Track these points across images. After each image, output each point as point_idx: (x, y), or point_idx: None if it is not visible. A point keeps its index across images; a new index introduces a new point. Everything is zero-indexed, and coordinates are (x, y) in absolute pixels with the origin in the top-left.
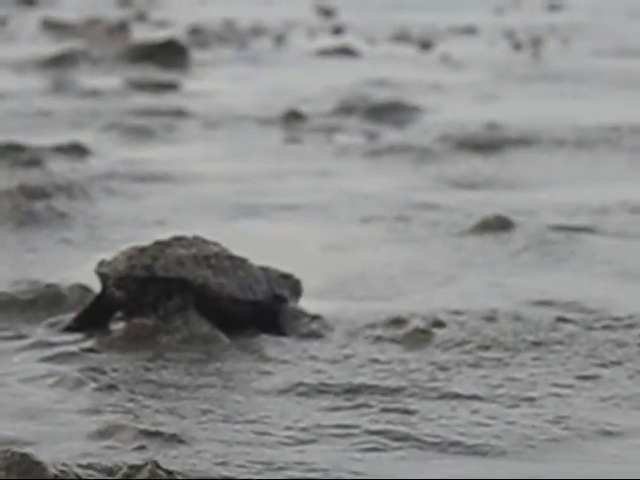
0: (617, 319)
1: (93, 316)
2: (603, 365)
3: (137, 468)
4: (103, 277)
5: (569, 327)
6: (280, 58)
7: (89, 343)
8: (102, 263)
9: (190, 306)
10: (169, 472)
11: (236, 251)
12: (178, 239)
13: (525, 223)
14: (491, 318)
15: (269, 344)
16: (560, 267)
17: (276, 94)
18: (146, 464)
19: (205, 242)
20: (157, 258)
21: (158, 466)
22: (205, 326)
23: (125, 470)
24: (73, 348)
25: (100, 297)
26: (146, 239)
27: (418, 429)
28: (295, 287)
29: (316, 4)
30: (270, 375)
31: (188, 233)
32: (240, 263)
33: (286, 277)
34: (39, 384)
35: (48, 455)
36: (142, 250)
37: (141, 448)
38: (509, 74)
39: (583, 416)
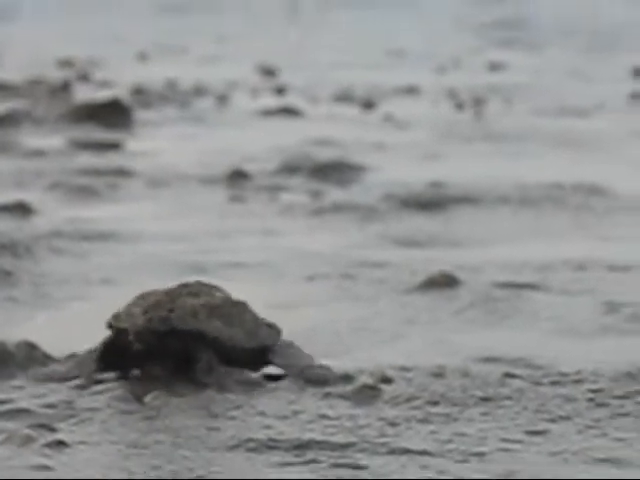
0: (565, 375)
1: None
2: (552, 420)
3: None
4: (119, 330)
5: (517, 382)
6: (223, 118)
7: (39, 400)
8: (117, 317)
9: (216, 364)
10: None
11: None
12: (185, 286)
13: (470, 280)
14: (439, 374)
15: (216, 400)
16: (506, 324)
17: (220, 153)
18: None
19: (208, 287)
20: (172, 310)
21: None
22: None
23: None
24: (22, 404)
25: (107, 349)
26: (91, 298)
27: None
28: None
29: (259, 64)
30: (218, 431)
31: (134, 292)
32: (243, 308)
33: (270, 326)
34: None
35: None
36: (156, 302)
37: None
38: (452, 133)
39: (533, 471)
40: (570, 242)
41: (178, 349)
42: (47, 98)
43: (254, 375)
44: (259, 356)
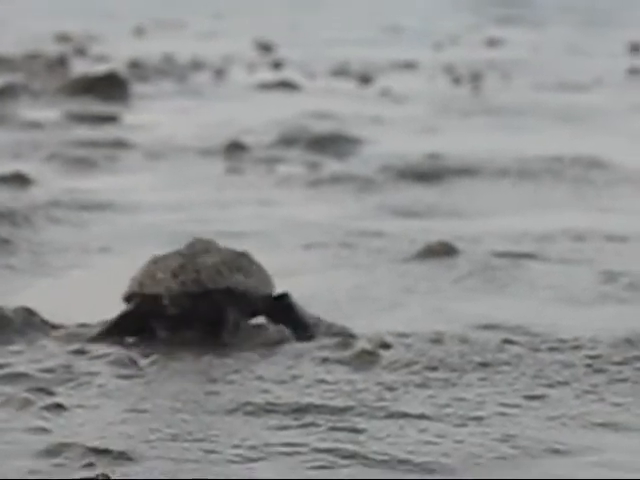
0: (563, 341)
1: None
2: (550, 385)
3: None
4: (152, 297)
5: (515, 349)
6: (220, 92)
7: (37, 365)
8: (142, 284)
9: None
10: None
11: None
12: (190, 246)
13: (469, 249)
14: (437, 340)
15: (215, 364)
16: (504, 292)
17: (217, 126)
18: (97, 477)
19: (208, 242)
20: (199, 271)
21: (108, 479)
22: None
23: None
24: (20, 369)
25: (130, 313)
26: (90, 266)
27: (366, 447)
28: None
29: (255, 40)
30: (217, 395)
31: (132, 260)
32: (248, 258)
33: None
34: None
35: None
36: (180, 265)
37: (89, 465)
38: (449, 108)
39: (531, 435)
40: (569, 213)
41: (208, 310)
42: (44, 72)
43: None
44: (277, 305)
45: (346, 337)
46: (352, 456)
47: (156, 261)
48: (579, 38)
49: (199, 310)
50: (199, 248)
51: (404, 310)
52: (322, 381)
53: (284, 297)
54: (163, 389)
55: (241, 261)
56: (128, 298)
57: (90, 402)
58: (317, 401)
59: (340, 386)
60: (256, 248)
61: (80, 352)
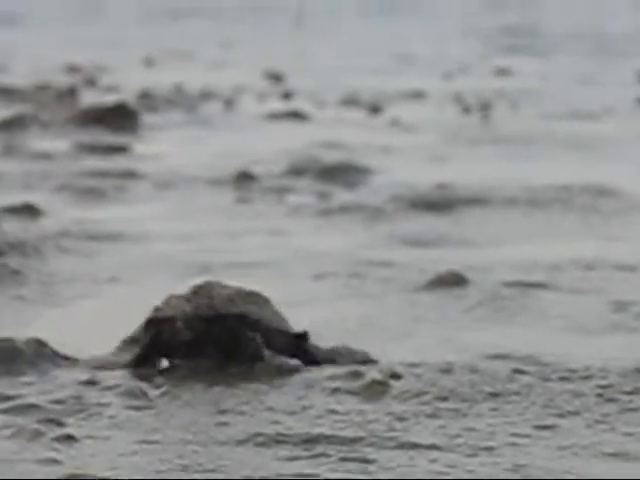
0: (573, 371)
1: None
2: (560, 415)
3: None
4: (164, 320)
5: (526, 379)
6: (230, 122)
7: (48, 396)
8: (158, 309)
9: (262, 348)
10: None
11: None
12: (201, 287)
13: (479, 279)
14: (447, 370)
15: (225, 395)
16: (514, 322)
17: (227, 156)
18: None
19: (221, 284)
20: (212, 297)
21: None
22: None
23: None
24: (31, 400)
25: (153, 341)
26: (100, 296)
27: (377, 477)
28: None
29: (265, 69)
30: (228, 426)
31: (142, 290)
32: (263, 298)
33: None
34: None
35: None
36: (195, 291)
37: None
38: (459, 137)
39: (542, 465)
40: (578, 242)
41: (223, 336)
42: (54, 103)
43: (295, 362)
44: (292, 342)
45: (367, 363)
46: None
47: (170, 299)
48: (588, 67)
49: (213, 335)
50: (210, 288)
51: (414, 340)
52: (333, 411)
53: (303, 336)
54: (173, 420)
55: (255, 298)
56: (146, 327)
57: (101, 433)
58: (328, 431)
59: (351, 416)
60: (266, 278)
61: (91, 383)
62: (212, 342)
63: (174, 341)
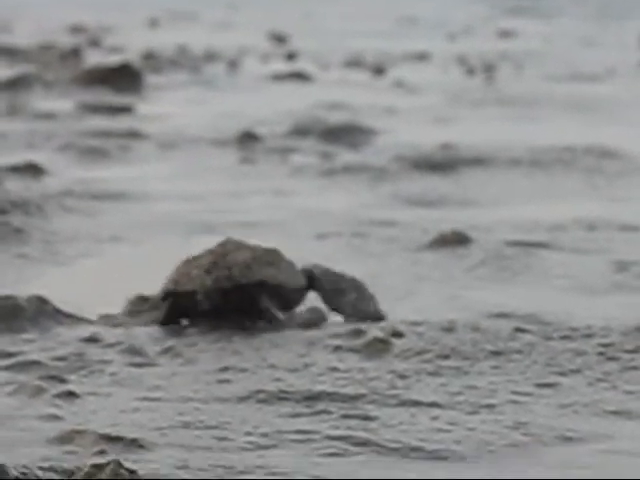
0: (575, 329)
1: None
2: (562, 373)
3: (99, 467)
4: (184, 293)
5: (527, 337)
6: (234, 82)
7: (49, 353)
8: (176, 282)
9: (274, 308)
10: (131, 471)
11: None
12: (223, 245)
13: (482, 239)
14: (449, 329)
15: (227, 353)
16: (517, 281)
17: (230, 117)
18: (108, 463)
19: (239, 242)
20: (231, 267)
21: (120, 465)
22: None
23: (87, 469)
24: (33, 356)
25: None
26: (102, 255)
27: (379, 435)
28: None
29: (269, 31)
30: (229, 383)
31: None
32: (277, 254)
33: None
34: None
35: (8, 459)
36: (212, 263)
37: (101, 453)
38: (462, 98)
39: (542, 422)
40: (581, 203)
41: (240, 303)
42: (58, 63)
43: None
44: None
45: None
46: (364, 443)
47: (189, 261)
48: (591, 29)
49: (232, 304)
50: (230, 247)
51: (416, 298)
52: (334, 369)
53: (311, 275)
54: (175, 377)
55: (270, 257)
56: (164, 297)
57: (102, 390)
58: (329, 389)
59: (352, 374)
60: (269, 237)
61: (92, 340)
62: (231, 308)
63: (193, 310)
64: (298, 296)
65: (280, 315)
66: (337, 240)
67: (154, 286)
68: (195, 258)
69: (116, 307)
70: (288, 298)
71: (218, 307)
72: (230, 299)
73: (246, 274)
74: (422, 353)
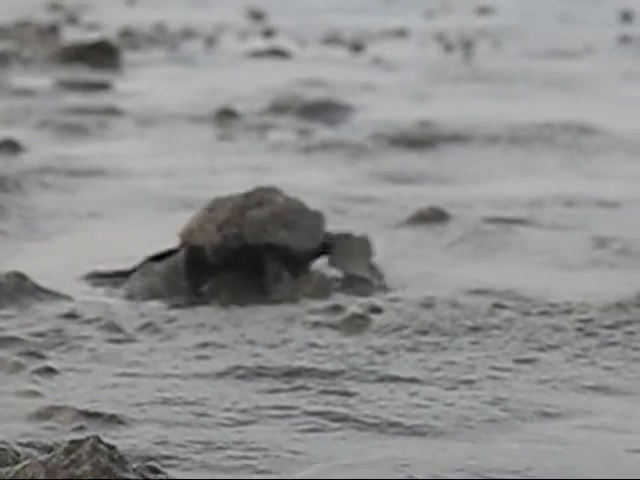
0: (554, 305)
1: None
2: (541, 349)
3: (78, 443)
4: (195, 248)
5: (506, 313)
6: (212, 59)
7: (28, 329)
8: (190, 232)
9: (284, 272)
10: (111, 447)
11: (173, 242)
12: (248, 197)
13: (460, 215)
14: (428, 305)
15: (206, 329)
16: (495, 257)
17: (209, 94)
18: (87, 439)
19: (268, 192)
20: (243, 226)
21: (99, 441)
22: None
23: (66, 445)
24: (12, 333)
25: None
26: (81, 231)
27: (357, 410)
28: None
29: (246, 8)
30: (208, 359)
31: (123, 225)
32: (301, 210)
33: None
34: None
35: None
36: (227, 219)
37: (80, 429)
38: (441, 75)
39: (521, 398)
40: (560, 179)
41: (250, 261)
42: (36, 40)
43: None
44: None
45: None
46: (343, 419)
47: (211, 209)
48: (570, 6)
49: (240, 262)
50: (256, 199)
51: (395, 275)
52: (313, 345)
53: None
54: (154, 353)
55: (291, 216)
56: (182, 245)
57: (81, 366)
58: (308, 365)
59: (331, 350)
60: None
61: (71, 316)
62: (239, 265)
63: (203, 263)
64: (307, 259)
65: (286, 277)
66: None
67: (132, 261)
68: (215, 209)
69: (94, 284)
70: (297, 261)
71: (227, 263)
72: (238, 258)
73: (257, 235)
74: (401, 329)
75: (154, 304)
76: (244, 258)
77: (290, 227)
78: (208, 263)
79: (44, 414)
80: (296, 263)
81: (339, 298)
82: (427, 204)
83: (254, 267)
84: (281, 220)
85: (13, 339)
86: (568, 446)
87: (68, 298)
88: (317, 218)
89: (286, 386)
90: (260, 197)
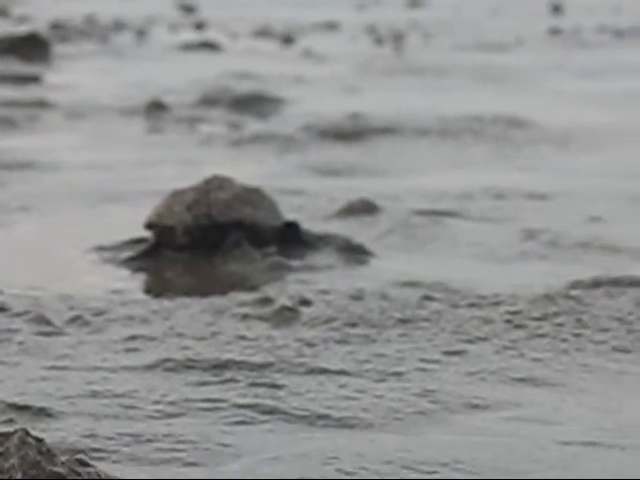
0: (482, 297)
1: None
2: (469, 341)
3: (6, 436)
4: (167, 228)
5: (435, 305)
6: (142, 52)
7: None
8: (159, 215)
9: (244, 241)
10: (39, 440)
11: (104, 236)
12: (208, 182)
13: (390, 207)
14: (357, 297)
15: (135, 321)
16: (425, 249)
17: (139, 86)
18: (16, 431)
19: (226, 180)
20: (211, 205)
21: (28, 433)
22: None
23: None
24: None
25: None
26: (10, 225)
27: (286, 403)
28: None
29: (177, 0)
30: (137, 352)
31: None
32: (259, 193)
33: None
34: None
35: None
36: (194, 200)
37: (9, 421)
38: (371, 68)
39: (450, 390)
40: (489, 172)
41: (217, 238)
42: None
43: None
44: (286, 231)
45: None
46: (272, 411)
47: (175, 194)
48: None
49: (210, 241)
50: (214, 184)
51: (325, 267)
52: (242, 337)
53: (293, 224)
54: (83, 346)
55: (251, 196)
56: (149, 226)
57: (10, 359)
58: (237, 357)
59: (260, 342)
60: None
61: (0, 309)
62: (208, 244)
63: (172, 243)
64: (273, 234)
65: (251, 250)
66: None
67: (64, 254)
68: (181, 193)
69: (24, 277)
70: (263, 236)
71: (195, 241)
72: (208, 236)
73: (225, 213)
74: (330, 321)
75: (83, 297)
76: (212, 236)
77: (254, 205)
78: (177, 244)
79: None
80: (259, 238)
81: (268, 290)
82: (357, 196)
83: (221, 245)
84: (245, 199)
85: None
86: (497, 438)
87: None
88: (273, 201)
89: (215, 379)
90: (219, 182)
